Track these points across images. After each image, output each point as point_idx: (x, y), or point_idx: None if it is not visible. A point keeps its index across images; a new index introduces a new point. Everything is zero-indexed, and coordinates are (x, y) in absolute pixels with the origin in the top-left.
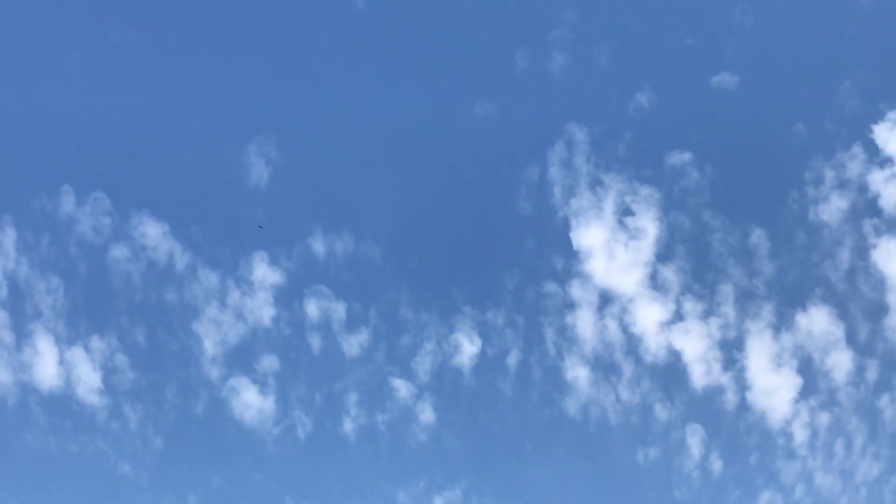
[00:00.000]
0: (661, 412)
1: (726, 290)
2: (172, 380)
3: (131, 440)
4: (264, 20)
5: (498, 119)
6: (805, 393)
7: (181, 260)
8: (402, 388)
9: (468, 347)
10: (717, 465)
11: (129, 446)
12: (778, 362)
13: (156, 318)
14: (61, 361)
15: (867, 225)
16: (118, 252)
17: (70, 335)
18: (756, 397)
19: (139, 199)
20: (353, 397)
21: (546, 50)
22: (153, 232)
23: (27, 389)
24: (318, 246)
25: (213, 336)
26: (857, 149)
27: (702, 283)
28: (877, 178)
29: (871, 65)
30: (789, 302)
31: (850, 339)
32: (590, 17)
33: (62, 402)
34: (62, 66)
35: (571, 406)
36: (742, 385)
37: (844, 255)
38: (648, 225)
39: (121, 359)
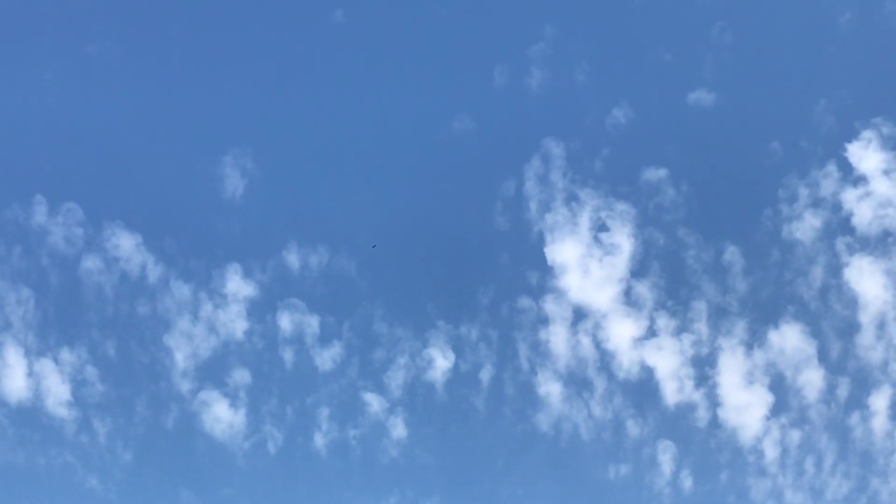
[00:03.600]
0: (633, 428)
1: (699, 307)
2: (143, 393)
3: (100, 454)
4: (242, 33)
5: (475, 134)
6: (776, 410)
7: (154, 272)
8: (374, 403)
9: (441, 362)
10: (688, 481)
11: (97, 460)
12: (750, 379)
13: (127, 331)
14: (30, 373)
15: (840, 243)
16: (90, 263)
17: (40, 347)
18: (728, 414)
19: (112, 210)
20: (324, 412)
21: (524, 65)
22: (126, 243)
23: None
24: (293, 259)
25: (184, 349)
26: (832, 167)
27: (675, 299)
28: (850, 197)
29: (847, 84)
30: (762, 319)
31: (822, 356)
32: (568, 33)
33: (30, 415)
34: (37, 76)
35: (544, 421)
36: (714, 402)
37: (817, 273)
38: (623, 241)
39: (91, 371)
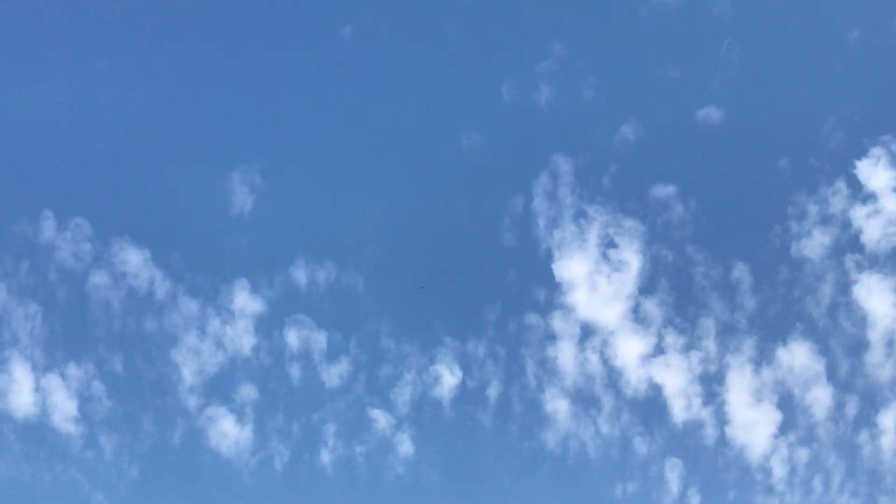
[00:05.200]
0: (640, 446)
1: (708, 324)
2: (149, 409)
3: (106, 470)
4: (250, 48)
5: (483, 150)
6: (784, 428)
7: (161, 287)
8: (380, 419)
9: (448, 378)
10: (695, 500)
11: (103, 476)
12: (758, 397)
13: (134, 346)
14: (37, 389)
15: (849, 261)
16: (98, 279)
17: (47, 362)
18: (735, 432)
19: (120, 225)
20: (331, 428)
21: (532, 81)
22: (134, 259)
23: (1, 417)
24: (300, 275)
25: (191, 365)
26: (841, 184)
27: (683, 316)
28: (859, 214)
29: (856, 101)
30: (770, 337)
31: (831, 374)
32: (576, 49)
33: (37, 431)
34: (46, 91)
35: (551, 439)
36: (722, 420)
37: (826, 291)
38: (631, 258)
39: (97, 387)
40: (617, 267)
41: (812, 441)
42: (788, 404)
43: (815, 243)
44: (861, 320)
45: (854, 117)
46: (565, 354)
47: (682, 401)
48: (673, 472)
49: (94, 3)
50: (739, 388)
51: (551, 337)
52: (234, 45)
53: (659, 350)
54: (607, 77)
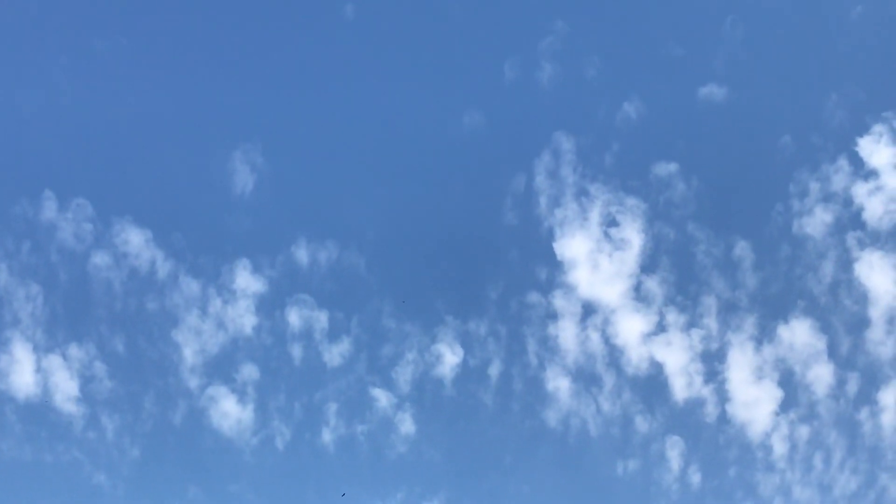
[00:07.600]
0: (641, 424)
1: (709, 302)
2: (151, 389)
3: (108, 450)
4: (252, 28)
5: (486, 128)
6: (785, 406)
7: (163, 267)
8: (382, 399)
9: (450, 357)
10: (695, 477)
11: (105, 456)
12: (759, 375)
13: (135, 327)
14: (39, 369)
15: (850, 238)
16: (99, 259)
17: (48, 343)
18: (736, 410)
19: (122, 205)
20: (332, 407)
21: (535, 59)
22: (135, 239)
23: (3, 397)
24: (302, 254)
25: (192, 345)
26: (843, 161)
27: (685, 294)
28: (861, 191)
29: (858, 79)
30: (771, 314)
31: (832, 352)
32: (579, 27)
33: (39, 411)
34: (47, 71)
35: (552, 417)
36: (723, 397)
37: (827, 268)
38: (633, 236)
39: (99, 367)
40: (618, 245)
41: (813, 418)
42: (789, 382)
43: (816, 221)
44: (862, 298)
45: (856, 95)
46: (566, 333)
47: (683, 379)
48: (674, 450)
49: None
50: (740, 365)
51: (553, 315)
52: (236, 25)
53: (660, 328)
54: (610, 55)
